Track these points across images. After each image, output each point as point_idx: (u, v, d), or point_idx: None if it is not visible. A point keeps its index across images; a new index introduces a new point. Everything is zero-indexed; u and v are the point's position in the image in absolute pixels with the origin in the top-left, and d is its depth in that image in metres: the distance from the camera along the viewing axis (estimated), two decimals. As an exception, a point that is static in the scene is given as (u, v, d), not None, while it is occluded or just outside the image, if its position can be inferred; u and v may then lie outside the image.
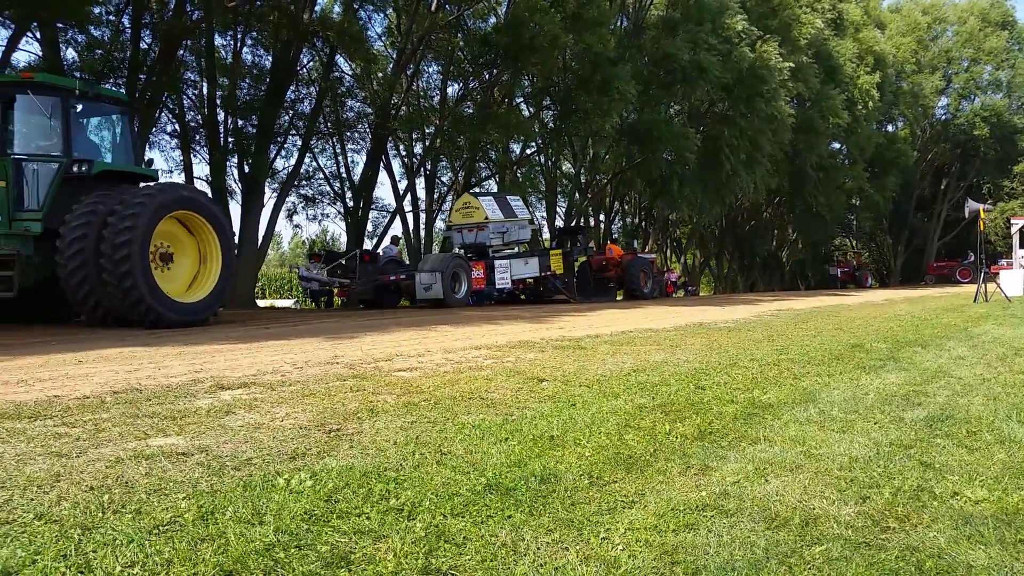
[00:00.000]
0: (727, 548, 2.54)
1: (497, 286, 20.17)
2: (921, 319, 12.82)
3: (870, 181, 42.13)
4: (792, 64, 29.45)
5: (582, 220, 33.26)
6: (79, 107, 11.77)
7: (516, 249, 21.82)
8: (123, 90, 18.50)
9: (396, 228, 33.61)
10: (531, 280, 22.42)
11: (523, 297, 23.44)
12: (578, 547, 2.54)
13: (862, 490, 3.19)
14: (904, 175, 45.31)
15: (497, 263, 20.10)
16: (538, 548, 2.53)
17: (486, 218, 19.91)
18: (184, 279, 11.88)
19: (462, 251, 20.31)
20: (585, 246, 25.52)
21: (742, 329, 10.90)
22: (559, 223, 32.33)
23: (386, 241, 25.73)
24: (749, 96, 28.17)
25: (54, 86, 11.42)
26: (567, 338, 9.23)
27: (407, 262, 22.93)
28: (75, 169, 11.20)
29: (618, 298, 25.96)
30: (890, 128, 48.90)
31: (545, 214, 34.16)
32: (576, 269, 24.31)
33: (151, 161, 13.66)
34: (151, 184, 12.04)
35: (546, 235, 31.30)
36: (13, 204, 10.84)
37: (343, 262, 20.34)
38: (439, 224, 31.66)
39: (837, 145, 41.77)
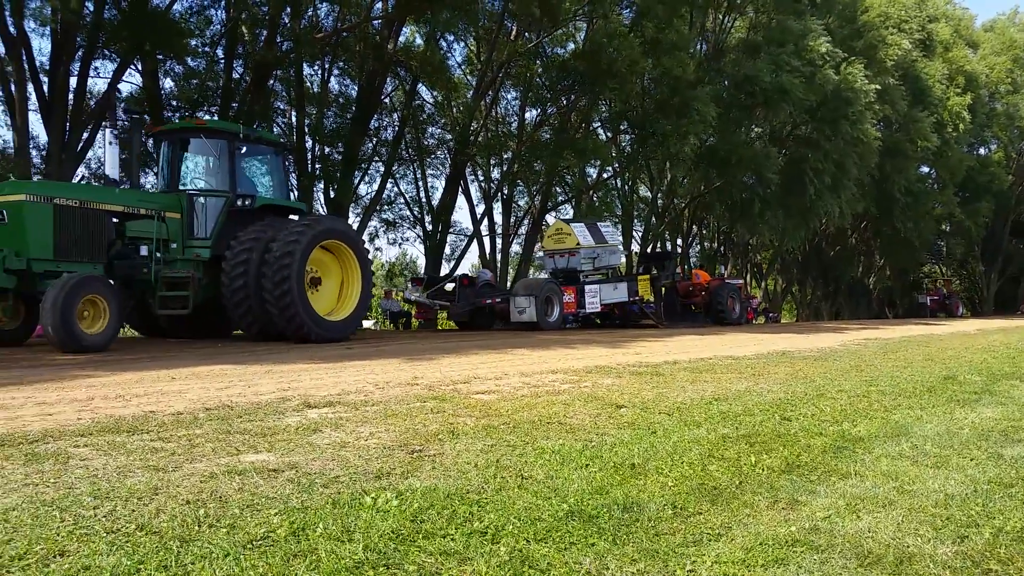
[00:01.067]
0: (818, 585, 2.47)
1: (587, 310, 20.74)
2: (1018, 350, 12.23)
3: (961, 206, 40.50)
4: (878, 86, 28.68)
5: (659, 245, 33.14)
6: (243, 149, 13.18)
7: (608, 274, 22.28)
8: (216, 116, 19.36)
9: (473, 251, 33.99)
10: (616, 305, 22.65)
11: (598, 321, 23.55)
12: (664, 577, 2.51)
13: (960, 529, 3.06)
14: (998, 199, 43.39)
15: (587, 288, 20.70)
16: (623, 577, 2.51)
17: (577, 244, 20.58)
18: (330, 300, 13.22)
19: (553, 276, 21.00)
20: (672, 272, 25.73)
21: (828, 358, 10.59)
22: (635, 247, 32.27)
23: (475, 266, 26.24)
24: (834, 119, 27.51)
25: (221, 131, 13.07)
26: (644, 364, 9.14)
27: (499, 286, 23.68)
28: (239, 203, 12.66)
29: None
30: (983, 151, 46.97)
31: (621, 239, 34.07)
32: (663, 294, 24.65)
33: (297, 196, 15.27)
34: (306, 217, 13.57)
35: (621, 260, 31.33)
36: (186, 233, 12.48)
37: (445, 286, 21.26)
38: (515, 248, 31.92)
39: (926, 169, 40.37)
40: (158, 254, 11.97)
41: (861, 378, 8.10)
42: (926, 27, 36.36)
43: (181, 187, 12.89)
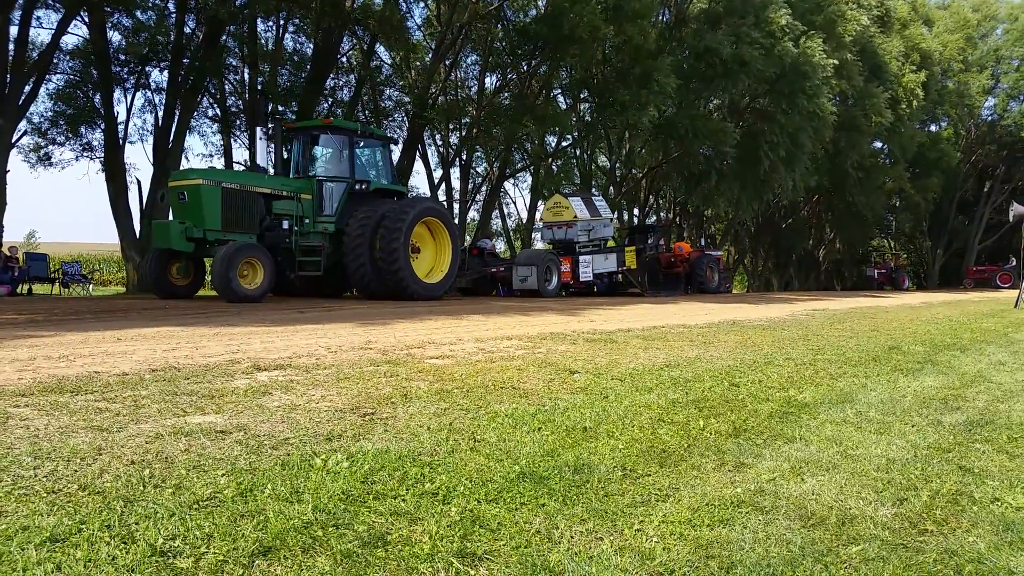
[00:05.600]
0: (762, 545, 2.53)
1: (580, 279, 21.78)
2: (960, 323, 12.59)
3: (911, 182, 41.30)
4: (836, 61, 28.93)
5: (642, 217, 33.72)
6: (360, 143, 16.26)
7: (600, 245, 23.18)
8: (167, 74, 18.94)
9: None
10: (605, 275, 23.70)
11: (595, 289, 24.25)
12: (612, 537, 2.54)
13: (899, 492, 3.16)
14: (946, 176, 44.33)
15: (581, 258, 21.80)
16: (572, 537, 2.53)
17: (575, 217, 21.73)
18: (427, 266, 16.17)
19: (551, 246, 22.25)
20: (656, 243, 26.80)
21: (777, 328, 10.79)
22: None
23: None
24: (791, 92, 27.73)
25: (344, 128, 15.97)
26: (598, 331, 9.21)
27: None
28: (357, 187, 15.58)
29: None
30: (934, 128, 47.88)
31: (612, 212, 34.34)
32: (647, 264, 25.69)
33: (403, 180, 18.19)
34: (410, 198, 17.30)
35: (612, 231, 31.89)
36: (316, 211, 15.35)
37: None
38: (472, 214, 31.78)
39: (879, 144, 41.00)
40: (296, 228, 14.86)
41: (808, 347, 8.27)
42: (884, 3, 36.71)
43: (311, 174, 15.75)
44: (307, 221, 15.14)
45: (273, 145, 15.43)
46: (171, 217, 13.79)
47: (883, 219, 47.54)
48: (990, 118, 49.86)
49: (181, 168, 18.77)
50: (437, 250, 16.42)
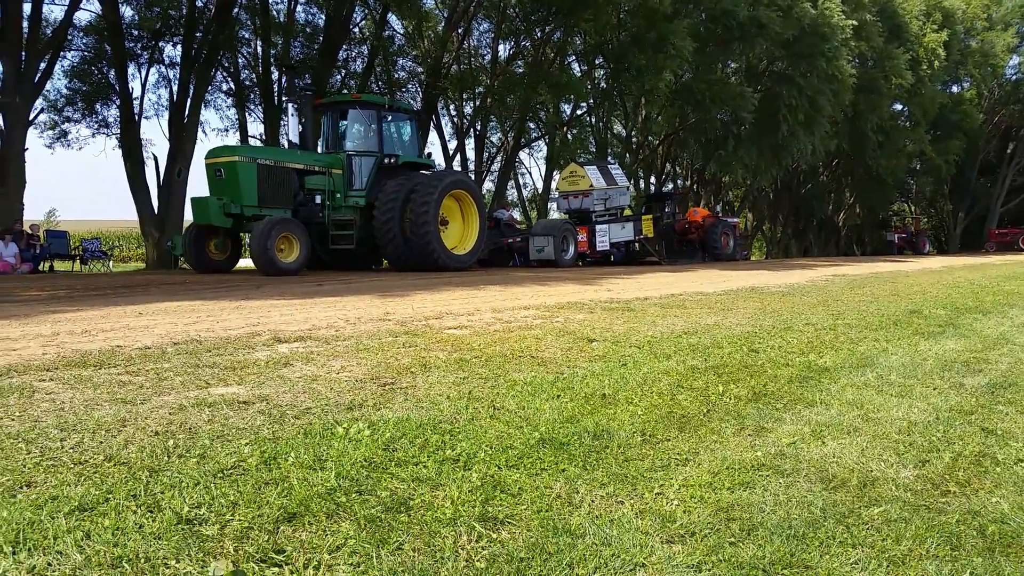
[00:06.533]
0: (783, 507, 2.53)
1: (597, 248, 21.71)
2: (981, 286, 12.46)
3: (932, 144, 40.61)
4: (855, 22, 28.43)
5: (633, 182, 33.22)
6: (388, 117, 16.36)
7: (617, 214, 23.05)
8: (180, 48, 18.92)
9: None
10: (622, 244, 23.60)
11: (612, 258, 24.13)
12: (632, 501, 2.55)
13: (921, 454, 3.14)
14: (968, 138, 43.51)
15: (598, 227, 21.69)
16: (592, 501, 2.55)
17: (591, 186, 21.55)
18: (455, 237, 16.43)
19: (567, 216, 22.07)
20: (673, 211, 26.53)
21: (796, 294, 10.72)
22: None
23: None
24: (810, 54, 27.30)
25: (372, 103, 16.25)
26: (616, 300, 9.19)
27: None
28: (386, 161, 15.64)
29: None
30: (956, 89, 46.92)
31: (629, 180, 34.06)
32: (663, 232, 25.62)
33: (430, 153, 18.34)
34: (437, 171, 17.01)
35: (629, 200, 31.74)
36: (346, 186, 15.59)
37: None
38: (487, 185, 31.67)
39: (899, 106, 40.32)
40: (328, 202, 15.14)
41: (828, 312, 8.22)
42: (905, -39, 35.92)
43: (342, 149, 15.94)
44: (338, 196, 15.39)
45: (302, 121, 15.60)
46: (208, 193, 14.09)
47: (903, 183, 46.83)
48: (1015, 77, 48.72)
49: (213, 145, 19.02)
50: (465, 222, 16.71)
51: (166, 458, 2.80)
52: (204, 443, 2.98)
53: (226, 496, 2.45)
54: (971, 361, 5.26)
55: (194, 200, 14.13)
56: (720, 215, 29.66)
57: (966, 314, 8.17)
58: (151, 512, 2.33)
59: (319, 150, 16.18)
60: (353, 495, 2.50)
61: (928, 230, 50.67)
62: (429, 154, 17.81)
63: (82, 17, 21.48)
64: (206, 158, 14.32)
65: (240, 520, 2.29)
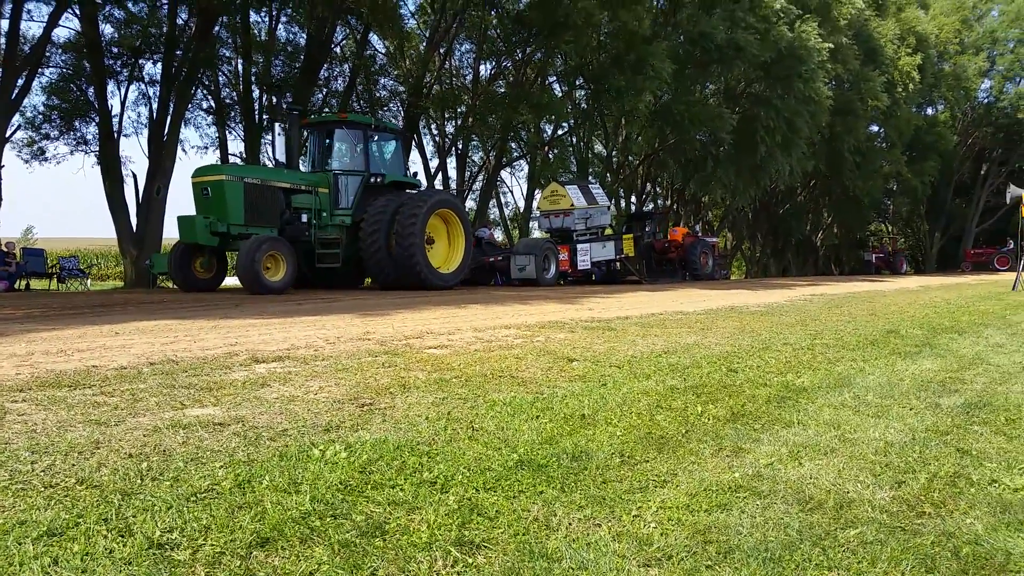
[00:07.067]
0: (760, 529, 2.53)
1: (579, 267, 21.79)
2: (957, 306, 12.60)
3: (908, 165, 41.22)
4: (831, 45, 28.86)
5: (642, 204, 33.68)
6: (374, 136, 16.55)
7: (597, 233, 23.19)
8: (160, 66, 18.91)
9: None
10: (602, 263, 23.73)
11: (593, 277, 24.22)
12: (610, 524, 2.55)
13: (897, 475, 3.16)
14: (943, 159, 44.24)
15: (579, 246, 21.82)
16: (570, 524, 2.53)
17: (572, 205, 21.72)
18: (440, 257, 16.51)
19: (548, 235, 22.26)
20: (653, 231, 26.86)
21: (775, 313, 10.79)
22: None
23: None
24: (787, 76, 27.67)
25: (358, 123, 16.25)
26: (596, 319, 9.20)
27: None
28: (372, 180, 15.78)
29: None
30: (930, 111, 47.76)
31: (609, 200, 34.27)
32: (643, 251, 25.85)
33: (416, 173, 18.44)
34: (424, 190, 17.44)
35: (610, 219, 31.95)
36: (332, 204, 15.62)
37: None
38: (469, 204, 31.75)
39: (875, 128, 40.91)
40: (315, 221, 15.18)
41: (806, 332, 8.27)
42: (880, -14, 36.58)
43: (328, 168, 15.94)
44: (324, 214, 15.46)
45: (291, 139, 15.54)
46: (194, 212, 14.08)
47: (880, 203, 47.45)
48: (986, 100, 49.70)
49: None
50: (450, 241, 16.86)
51: (139, 481, 2.76)
52: (178, 466, 2.94)
53: (199, 520, 2.42)
54: (947, 381, 5.31)
55: (180, 219, 14.06)
56: (700, 235, 29.93)
57: (942, 334, 8.26)
58: (122, 536, 2.30)
59: (305, 168, 16.15)
60: (328, 519, 2.47)
61: (905, 250, 51.30)
62: (415, 173, 17.84)
63: (61, 34, 21.42)
64: (193, 176, 14.30)
65: (212, 545, 2.26)
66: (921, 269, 50.24)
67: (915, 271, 48.24)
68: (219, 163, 20.33)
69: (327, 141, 16.38)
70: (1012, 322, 9.82)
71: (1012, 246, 42.17)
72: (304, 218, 15.15)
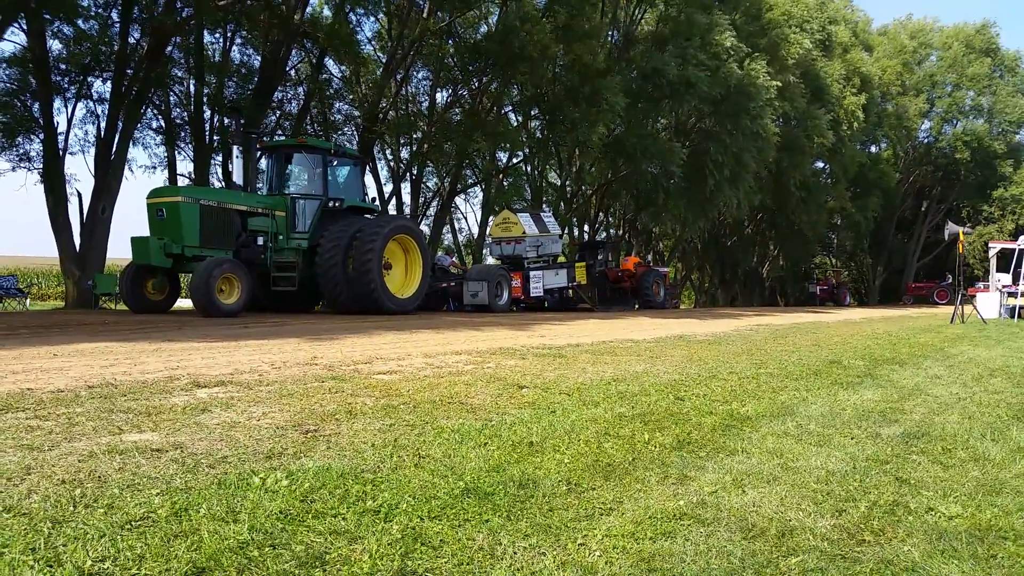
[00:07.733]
0: (704, 557, 2.54)
1: (532, 294, 21.86)
2: (898, 338, 12.93)
3: (852, 201, 42.50)
4: (779, 83, 29.70)
5: (566, 230, 33.72)
6: (333, 161, 16.51)
7: (548, 261, 23.38)
8: (110, 84, 18.56)
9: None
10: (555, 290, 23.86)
11: (546, 304, 24.28)
12: (555, 552, 2.53)
13: (838, 503, 3.20)
14: (886, 196, 45.77)
15: (532, 273, 21.95)
16: (515, 553, 2.51)
17: (524, 233, 21.90)
18: (398, 282, 16.61)
19: (500, 262, 22.37)
20: (606, 259, 27.15)
21: (722, 343, 10.94)
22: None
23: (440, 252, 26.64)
24: (735, 113, 28.37)
25: (317, 147, 16.23)
26: (548, 346, 9.22)
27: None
28: (330, 204, 15.79)
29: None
30: (874, 149, 49.44)
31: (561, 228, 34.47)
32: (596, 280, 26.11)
33: (375, 198, 18.78)
34: (380, 216, 17.43)
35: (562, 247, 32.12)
36: (289, 228, 15.57)
37: None
38: (423, 229, 31.68)
39: (821, 164, 42.15)
40: (271, 244, 15.11)
41: (751, 361, 8.40)
42: (826, 28, 37.81)
43: (285, 191, 15.96)
44: (281, 238, 15.40)
45: (248, 162, 15.44)
46: (148, 233, 13.85)
47: (825, 237, 48.79)
48: (927, 140, 51.69)
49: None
50: (408, 267, 16.94)
51: (71, 508, 2.67)
52: (113, 492, 2.85)
53: (133, 549, 2.34)
54: (887, 411, 5.42)
55: (134, 239, 13.82)
56: (651, 264, 30.39)
57: (883, 365, 8.45)
58: (50, 567, 2.21)
59: (262, 191, 16.02)
60: (266, 549, 2.41)
61: (849, 283, 52.68)
62: (374, 199, 17.82)
63: (6, 48, 20.89)
64: (148, 197, 14.08)
65: (146, 575, 2.18)
66: (864, 301, 51.61)
67: (858, 303, 49.49)
68: (172, 184, 20.19)
69: (285, 164, 16.33)
70: (950, 354, 10.10)
71: (951, 280, 43.56)
72: (260, 241, 15.07)
